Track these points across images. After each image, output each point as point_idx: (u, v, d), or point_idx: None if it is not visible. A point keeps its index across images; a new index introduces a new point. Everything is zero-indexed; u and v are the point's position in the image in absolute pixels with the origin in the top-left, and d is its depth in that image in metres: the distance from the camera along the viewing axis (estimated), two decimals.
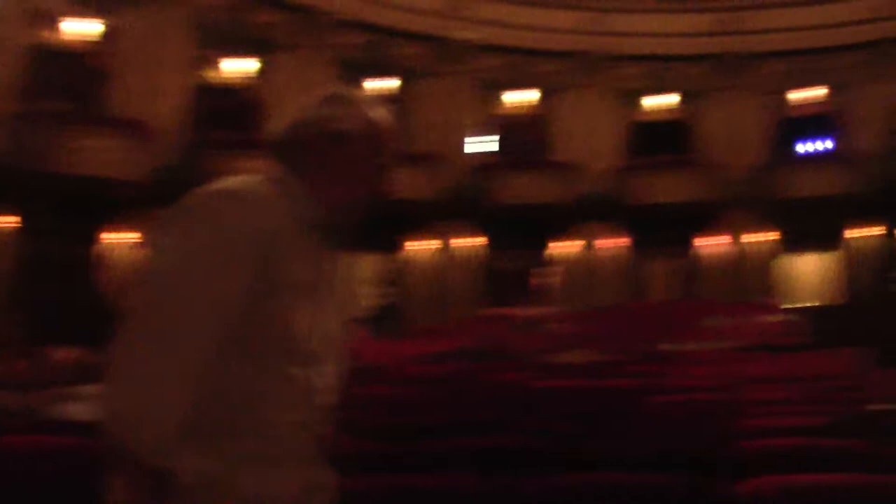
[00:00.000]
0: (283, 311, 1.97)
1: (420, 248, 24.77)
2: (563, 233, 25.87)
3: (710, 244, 26.02)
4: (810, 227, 24.69)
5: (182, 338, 1.84)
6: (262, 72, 23.41)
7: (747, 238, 25.79)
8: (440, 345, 16.29)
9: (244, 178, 2.04)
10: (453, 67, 25.24)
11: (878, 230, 23.64)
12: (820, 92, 26.29)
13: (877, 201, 14.42)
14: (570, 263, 26.02)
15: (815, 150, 26.15)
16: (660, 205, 25.14)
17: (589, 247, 25.97)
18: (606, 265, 26.07)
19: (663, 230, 25.38)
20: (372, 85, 23.79)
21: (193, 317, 1.85)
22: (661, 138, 26.37)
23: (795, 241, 25.49)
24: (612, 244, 26.01)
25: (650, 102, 27.01)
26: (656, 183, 25.38)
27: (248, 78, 23.43)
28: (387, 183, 2.16)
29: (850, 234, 24.63)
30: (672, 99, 26.98)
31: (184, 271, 1.87)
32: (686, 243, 26.16)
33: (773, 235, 25.67)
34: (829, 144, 26.15)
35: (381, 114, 2.17)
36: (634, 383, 8.58)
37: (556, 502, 3.19)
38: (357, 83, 23.68)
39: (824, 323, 19.28)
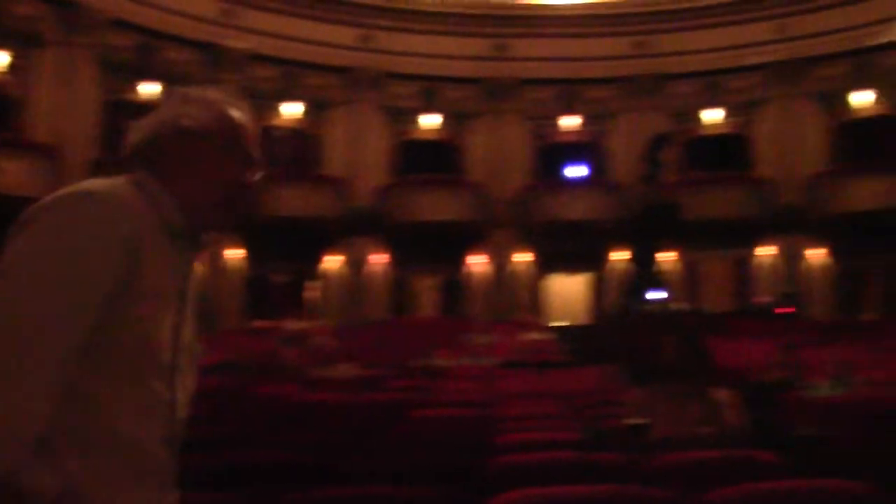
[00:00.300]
0: (146, 321, 1.85)
1: None
2: (332, 247, 25.88)
3: (476, 263, 26.63)
4: (571, 248, 25.73)
5: (39, 345, 1.70)
6: (20, 67, 22.14)
7: (511, 258, 26.54)
8: (204, 358, 15.90)
9: (104, 180, 1.89)
10: (223, 76, 24.76)
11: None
12: (577, 121, 27.37)
13: (631, 226, 15.19)
14: (337, 278, 26.02)
15: (577, 175, 27.18)
16: (426, 223, 25.53)
17: (356, 262, 26.06)
18: (374, 280, 26.22)
19: (430, 248, 25.83)
20: (141, 89, 23.05)
21: (51, 323, 1.71)
22: (429, 157, 26.82)
23: (557, 262, 26.46)
24: (380, 260, 26.22)
25: (420, 122, 27.38)
26: (423, 201, 25.74)
27: (3, 72, 22.04)
28: (250, 181, 2.05)
29: (612, 256, 25.74)
30: (440, 119, 27.41)
31: (41, 275, 1.73)
32: (453, 261, 26.68)
33: (533, 256, 26.53)
34: (588, 171, 27.24)
35: (239, 110, 2.08)
36: (398, 398, 8.64)
37: None
38: (125, 86, 22.92)
39: (582, 341, 20.08)
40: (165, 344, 1.90)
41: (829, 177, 24.84)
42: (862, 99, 25.15)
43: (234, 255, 24.78)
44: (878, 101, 25.15)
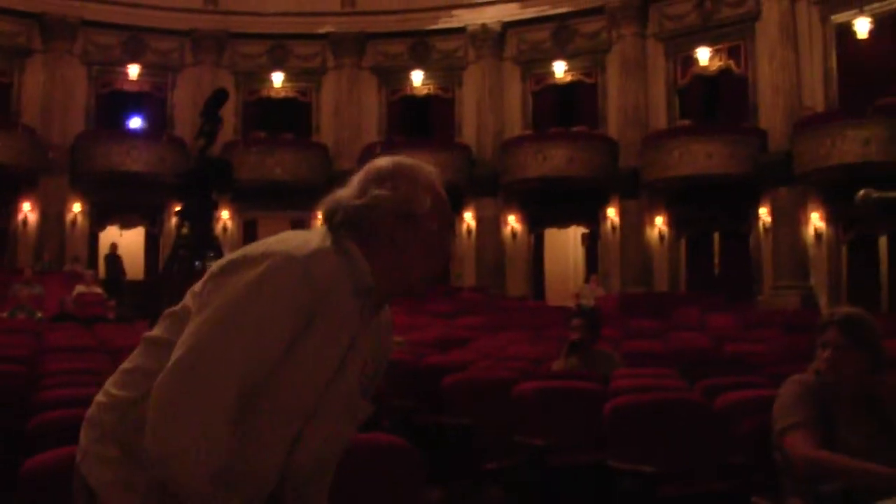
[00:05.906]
0: (301, 371, 2.03)
1: None
2: None
3: (27, 210, 25.32)
4: (128, 201, 25.24)
5: (223, 386, 1.91)
6: None
7: (65, 207, 25.52)
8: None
9: (315, 238, 2.07)
10: None
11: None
12: (139, 70, 26.51)
13: (184, 181, 15.29)
14: None
15: (138, 126, 26.40)
16: None
17: None
18: None
19: None
20: None
21: (235, 367, 1.92)
22: None
23: (113, 214, 25.86)
24: None
25: None
26: None
27: None
28: (449, 249, 2.19)
29: (170, 211, 25.46)
30: None
31: (235, 325, 1.94)
32: (1, 207, 25.31)
33: (88, 207, 25.74)
34: (149, 123, 26.57)
35: (439, 181, 2.19)
36: None
37: None
38: None
39: (135, 296, 19.91)
40: (312, 389, 2.08)
41: (382, 146, 26.29)
42: (417, 78, 26.75)
43: None
44: (427, 81, 26.91)
